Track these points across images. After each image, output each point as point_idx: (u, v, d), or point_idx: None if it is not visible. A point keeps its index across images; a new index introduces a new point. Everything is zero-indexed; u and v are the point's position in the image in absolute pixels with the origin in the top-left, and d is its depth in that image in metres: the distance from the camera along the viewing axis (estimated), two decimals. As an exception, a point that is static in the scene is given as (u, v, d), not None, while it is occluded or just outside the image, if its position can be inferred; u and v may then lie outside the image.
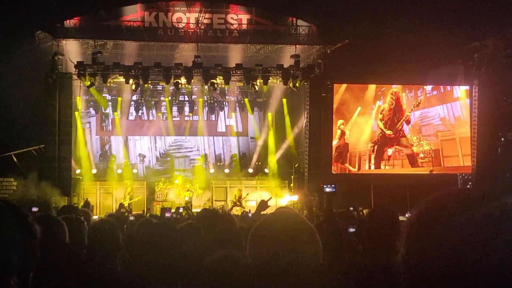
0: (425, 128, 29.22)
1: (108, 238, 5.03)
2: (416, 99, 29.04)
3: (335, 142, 28.32)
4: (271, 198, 7.83)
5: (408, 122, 28.89)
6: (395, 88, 28.87)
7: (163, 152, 35.17)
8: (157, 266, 4.23)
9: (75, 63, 27.49)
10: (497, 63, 28.34)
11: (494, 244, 1.40)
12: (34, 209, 17.41)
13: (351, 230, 7.09)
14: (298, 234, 2.44)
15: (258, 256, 2.43)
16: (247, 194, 29.40)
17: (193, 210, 24.31)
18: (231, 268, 3.44)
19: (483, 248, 1.40)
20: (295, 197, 29.13)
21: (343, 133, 28.42)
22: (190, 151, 35.46)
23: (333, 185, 26.21)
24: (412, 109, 28.87)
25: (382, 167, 28.86)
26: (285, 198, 29.35)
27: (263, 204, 7.22)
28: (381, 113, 28.68)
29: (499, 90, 28.76)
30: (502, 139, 29.33)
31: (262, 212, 6.76)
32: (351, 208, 14.28)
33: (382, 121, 28.64)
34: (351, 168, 28.71)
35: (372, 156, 28.80)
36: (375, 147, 28.80)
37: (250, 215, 17.50)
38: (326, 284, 2.64)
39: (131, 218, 13.57)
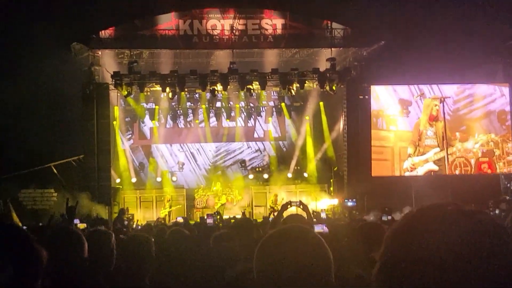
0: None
1: (141, 253, 4.86)
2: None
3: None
4: (297, 202, 7.62)
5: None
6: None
7: (208, 167, 34.60)
8: (183, 278, 4.13)
9: (112, 73, 27.66)
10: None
11: (470, 260, 1.43)
12: (76, 221, 17.51)
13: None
14: (306, 249, 2.30)
15: (264, 272, 2.31)
16: (283, 199, 28.91)
17: (230, 216, 24.45)
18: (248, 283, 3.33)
19: (458, 264, 1.42)
20: (335, 201, 28.94)
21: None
22: (240, 153, 35.19)
23: (354, 200, 26.86)
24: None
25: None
26: (324, 202, 29.09)
27: (283, 207, 7.09)
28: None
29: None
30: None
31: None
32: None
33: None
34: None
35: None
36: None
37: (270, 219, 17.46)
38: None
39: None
